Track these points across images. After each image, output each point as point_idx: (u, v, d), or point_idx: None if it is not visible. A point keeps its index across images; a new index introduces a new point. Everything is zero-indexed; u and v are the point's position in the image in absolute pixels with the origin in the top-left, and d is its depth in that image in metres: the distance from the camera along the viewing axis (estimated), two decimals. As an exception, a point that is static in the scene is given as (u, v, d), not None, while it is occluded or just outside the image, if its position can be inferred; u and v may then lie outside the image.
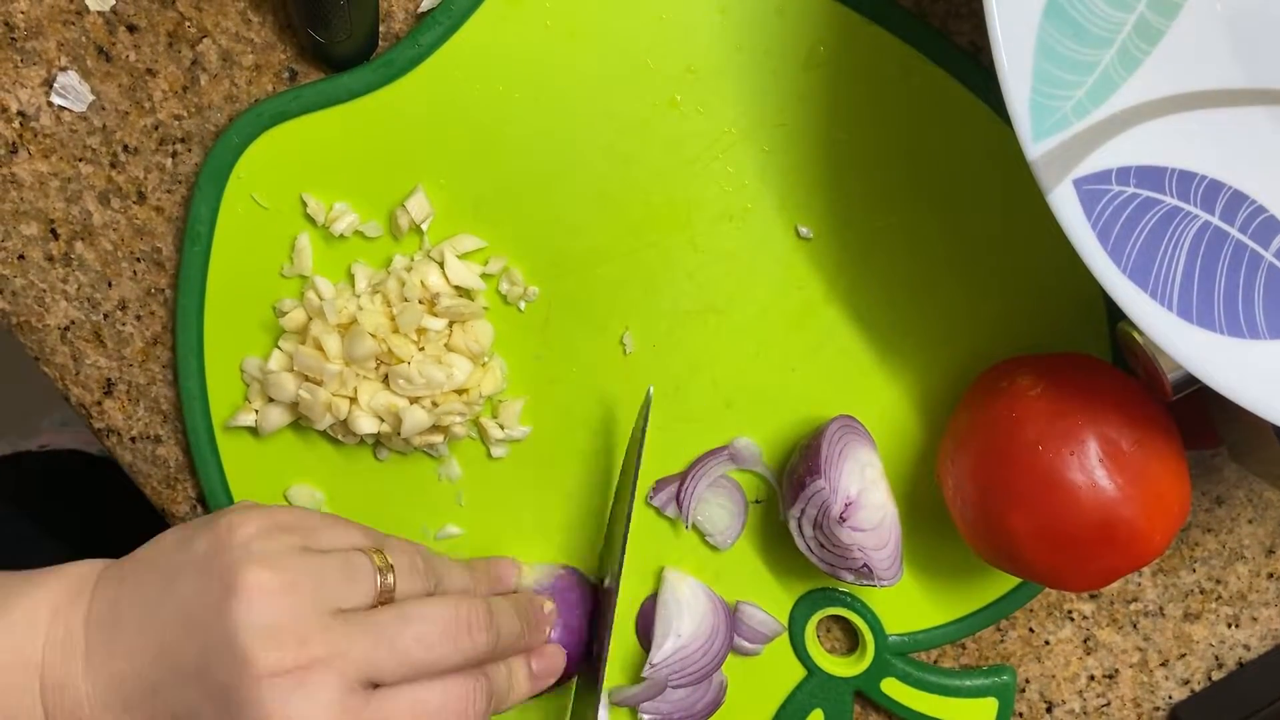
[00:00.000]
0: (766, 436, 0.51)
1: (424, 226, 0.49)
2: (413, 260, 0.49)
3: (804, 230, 0.48)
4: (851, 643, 0.54)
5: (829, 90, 0.47)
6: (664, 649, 0.50)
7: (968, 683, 0.53)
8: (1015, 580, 0.52)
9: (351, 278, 0.49)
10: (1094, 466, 0.43)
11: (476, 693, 0.42)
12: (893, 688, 0.53)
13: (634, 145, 0.48)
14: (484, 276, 0.49)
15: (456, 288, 0.49)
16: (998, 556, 0.46)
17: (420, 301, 0.48)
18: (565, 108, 0.48)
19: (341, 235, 0.49)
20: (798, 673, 0.53)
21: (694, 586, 0.52)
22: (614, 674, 0.53)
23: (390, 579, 0.41)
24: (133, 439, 0.52)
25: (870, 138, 0.47)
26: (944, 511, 0.50)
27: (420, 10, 0.48)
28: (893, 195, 0.48)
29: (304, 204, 0.49)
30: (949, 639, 0.53)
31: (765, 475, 0.51)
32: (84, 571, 0.42)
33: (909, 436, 0.51)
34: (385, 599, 0.41)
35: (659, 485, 0.51)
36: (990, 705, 0.53)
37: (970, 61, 0.47)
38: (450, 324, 0.49)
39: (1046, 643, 0.54)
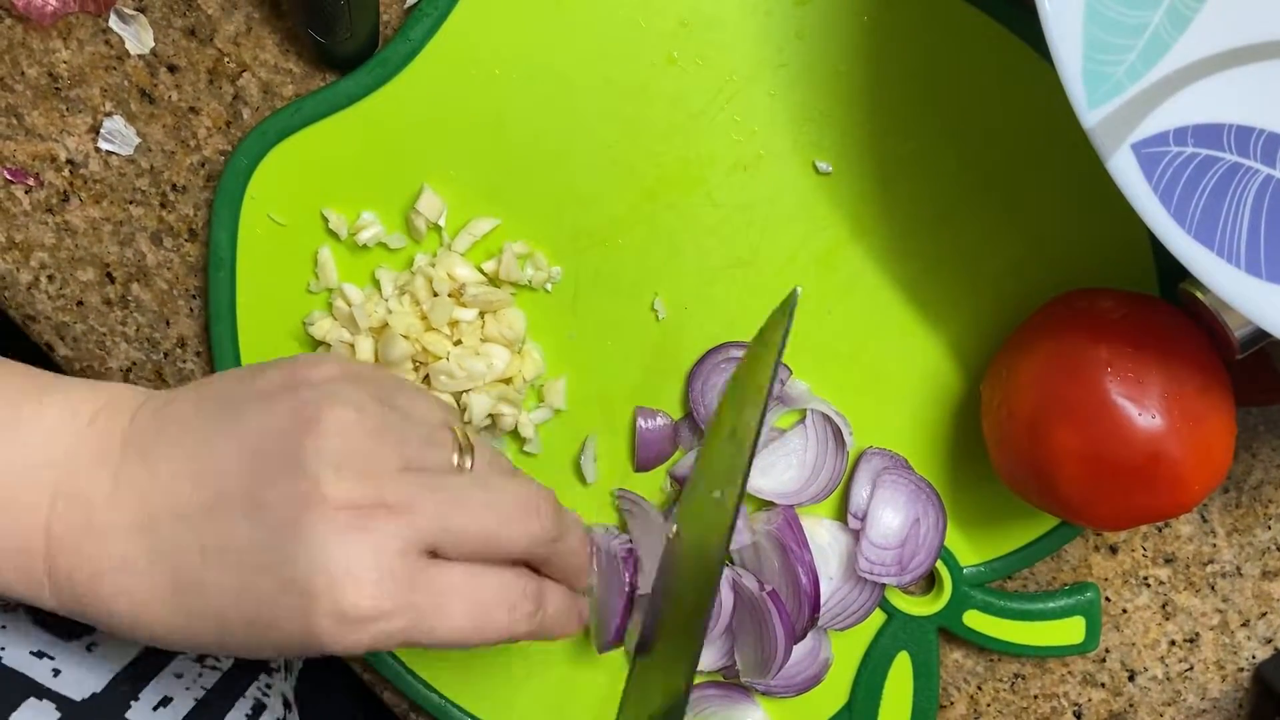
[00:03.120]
0: (809, 381, 0.51)
1: (441, 222, 0.49)
2: (434, 257, 0.49)
3: (823, 165, 0.48)
4: (928, 581, 0.54)
5: (825, 23, 0.47)
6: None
7: (1051, 604, 0.52)
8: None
9: (377, 283, 0.50)
10: (1156, 399, 0.43)
11: (528, 594, 0.38)
12: (976, 620, 0.52)
13: (637, 108, 0.48)
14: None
15: (482, 271, 0.49)
16: (1030, 477, 0.46)
17: (449, 295, 0.48)
18: (563, 81, 0.48)
19: (364, 245, 0.49)
20: (878, 618, 0.53)
21: (831, 529, 0.51)
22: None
23: (469, 460, 0.39)
24: (200, 474, 0.53)
25: (875, 66, 0.47)
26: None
27: (407, 5, 0.48)
28: (907, 122, 0.48)
29: (325, 219, 0.49)
30: (1028, 562, 0.52)
31: (821, 409, 0.51)
32: (124, 391, 0.39)
33: (946, 366, 0.50)
34: (459, 467, 0.39)
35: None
36: (1078, 624, 0.52)
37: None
38: (482, 314, 0.49)
39: (1124, 611, 0.53)
